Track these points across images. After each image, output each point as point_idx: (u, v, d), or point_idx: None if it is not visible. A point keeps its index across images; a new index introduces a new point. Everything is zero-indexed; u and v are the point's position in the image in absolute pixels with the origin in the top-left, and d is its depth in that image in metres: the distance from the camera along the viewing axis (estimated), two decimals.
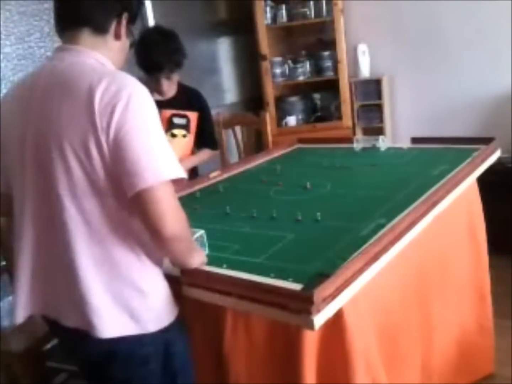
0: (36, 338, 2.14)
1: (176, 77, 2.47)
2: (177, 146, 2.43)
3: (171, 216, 1.24)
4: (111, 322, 1.30)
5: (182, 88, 2.55)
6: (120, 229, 1.30)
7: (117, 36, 1.39)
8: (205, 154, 2.63)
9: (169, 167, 1.23)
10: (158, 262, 1.38)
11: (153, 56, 2.33)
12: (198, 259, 1.44)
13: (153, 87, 2.39)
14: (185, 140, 2.46)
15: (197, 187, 2.29)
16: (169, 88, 2.46)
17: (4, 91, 2.58)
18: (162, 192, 1.22)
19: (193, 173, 2.66)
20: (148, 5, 3.27)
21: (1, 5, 2.54)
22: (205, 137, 2.59)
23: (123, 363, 1.36)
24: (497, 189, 2.98)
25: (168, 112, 2.40)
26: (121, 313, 1.30)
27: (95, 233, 1.28)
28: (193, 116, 2.47)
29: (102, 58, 1.35)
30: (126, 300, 1.31)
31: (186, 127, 2.44)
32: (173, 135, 2.41)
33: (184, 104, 2.48)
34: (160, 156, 1.23)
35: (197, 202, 2.13)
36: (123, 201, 1.26)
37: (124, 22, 1.38)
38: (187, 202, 2.13)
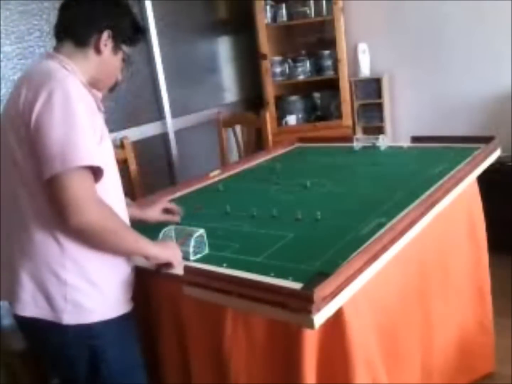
0: None
1: None
2: None
3: (77, 206, 1.25)
4: (29, 302, 1.35)
5: None
6: (43, 214, 1.32)
7: (97, 51, 1.44)
8: None
9: (79, 155, 1.25)
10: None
11: None
12: (165, 252, 1.47)
13: None
14: None
15: (197, 186, 2.29)
16: None
17: (4, 90, 2.57)
18: (69, 180, 1.24)
19: None
20: (148, 5, 3.26)
21: (1, 4, 2.54)
22: None
23: (45, 347, 1.43)
24: (497, 188, 2.98)
25: None
26: (39, 295, 1.34)
27: (23, 218, 1.34)
28: None
29: (69, 63, 1.40)
30: (45, 282, 1.34)
31: None
32: None
33: None
34: (72, 144, 1.25)
35: (197, 201, 2.13)
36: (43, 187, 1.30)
37: (105, 38, 1.43)
38: (187, 201, 2.14)
